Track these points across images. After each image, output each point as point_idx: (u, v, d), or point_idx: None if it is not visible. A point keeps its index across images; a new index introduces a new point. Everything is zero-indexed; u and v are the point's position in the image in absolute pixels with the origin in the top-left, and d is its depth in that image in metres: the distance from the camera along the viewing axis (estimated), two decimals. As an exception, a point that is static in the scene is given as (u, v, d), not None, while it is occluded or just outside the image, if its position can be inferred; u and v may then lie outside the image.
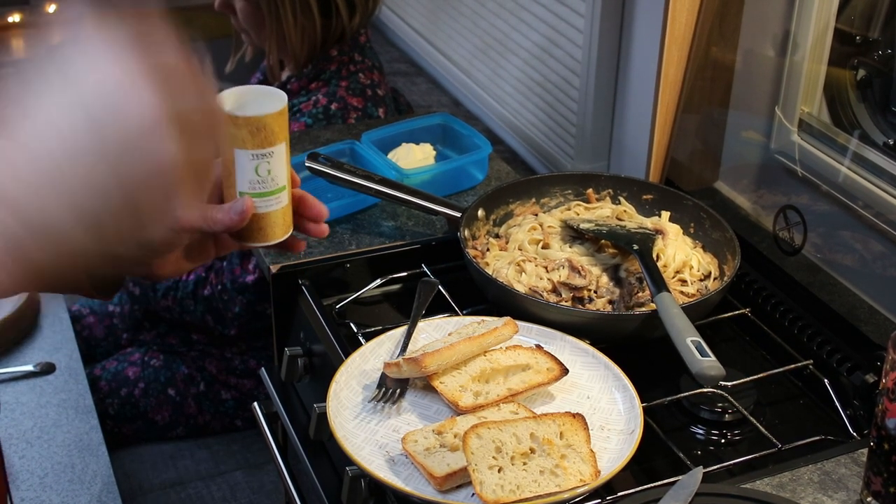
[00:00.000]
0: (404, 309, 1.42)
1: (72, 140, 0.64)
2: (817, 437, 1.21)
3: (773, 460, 1.17)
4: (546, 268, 1.39)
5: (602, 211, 1.52)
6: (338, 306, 1.42)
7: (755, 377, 1.28)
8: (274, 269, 1.46)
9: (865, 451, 1.11)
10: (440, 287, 1.39)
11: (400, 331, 1.27)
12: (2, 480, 1.17)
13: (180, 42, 0.69)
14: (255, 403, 1.50)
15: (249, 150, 0.93)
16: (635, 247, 1.37)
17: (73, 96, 0.64)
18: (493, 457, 1.05)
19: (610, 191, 1.57)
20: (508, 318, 1.24)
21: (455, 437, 1.10)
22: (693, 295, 1.37)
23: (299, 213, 1.00)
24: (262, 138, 0.93)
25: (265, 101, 0.93)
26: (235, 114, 0.90)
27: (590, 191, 1.57)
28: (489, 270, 1.39)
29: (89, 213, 0.66)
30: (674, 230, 1.46)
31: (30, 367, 1.61)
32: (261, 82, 2.23)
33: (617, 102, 1.89)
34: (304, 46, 2.03)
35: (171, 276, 0.97)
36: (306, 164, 1.52)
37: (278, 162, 0.96)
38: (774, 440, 1.19)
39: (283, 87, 2.08)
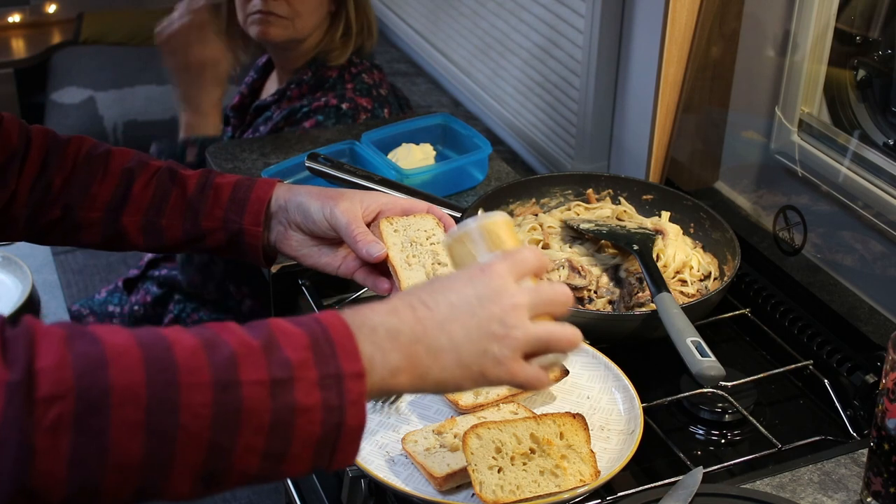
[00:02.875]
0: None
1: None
2: (817, 438, 1.21)
3: (773, 460, 1.17)
4: (546, 268, 1.39)
5: (602, 211, 1.52)
6: (338, 306, 1.42)
7: (755, 377, 1.28)
8: (274, 269, 1.46)
9: (865, 451, 1.11)
10: (440, 287, 1.39)
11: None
12: None
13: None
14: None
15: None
16: (635, 247, 1.37)
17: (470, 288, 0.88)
18: (493, 457, 1.05)
19: (610, 191, 1.57)
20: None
21: (455, 437, 1.10)
22: (693, 295, 1.37)
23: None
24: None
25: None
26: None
27: (590, 191, 1.57)
28: (489, 270, 1.39)
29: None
30: (674, 230, 1.46)
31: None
32: (255, 81, 2.24)
33: (617, 102, 1.89)
34: (333, 43, 2.05)
35: (290, 253, 1.22)
36: (306, 164, 1.52)
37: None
38: (774, 440, 1.19)
39: (282, 93, 2.08)
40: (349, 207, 1.17)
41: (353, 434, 0.81)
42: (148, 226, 1.23)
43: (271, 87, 2.21)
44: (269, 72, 2.24)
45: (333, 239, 1.21)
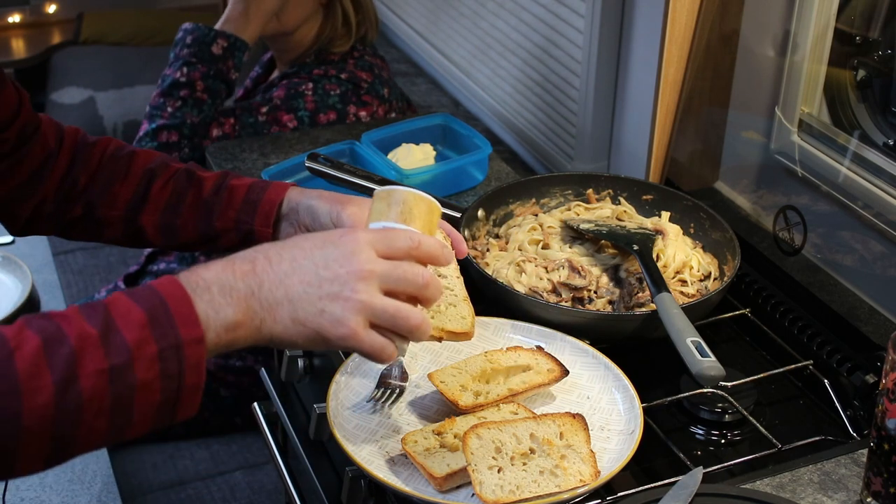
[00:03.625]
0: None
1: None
2: (817, 438, 1.21)
3: (773, 460, 1.17)
4: (546, 268, 1.39)
5: (602, 211, 1.52)
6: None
7: (755, 377, 1.28)
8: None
9: (865, 451, 1.11)
10: (440, 287, 1.39)
11: (400, 331, 1.27)
12: None
13: None
14: (255, 404, 1.50)
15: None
16: (635, 247, 1.37)
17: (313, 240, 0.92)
18: (493, 457, 1.05)
19: (610, 191, 1.57)
20: (540, 348, 1.24)
21: (455, 437, 1.10)
22: (693, 295, 1.37)
23: None
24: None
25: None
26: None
27: (590, 191, 1.57)
28: (489, 271, 1.39)
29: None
30: (674, 230, 1.46)
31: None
32: (260, 76, 2.24)
33: (617, 102, 1.89)
34: (331, 35, 2.06)
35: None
36: (306, 165, 1.52)
37: None
38: (774, 440, 1.19)
39: (284, 75, 2.08)
40: (356, 212, 1.18)
41: (192, 391, 0.85)
42: (165, 225, 1.26)
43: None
44: (272, 68, 2.25)
45: None
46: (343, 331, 0.90)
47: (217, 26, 1.96)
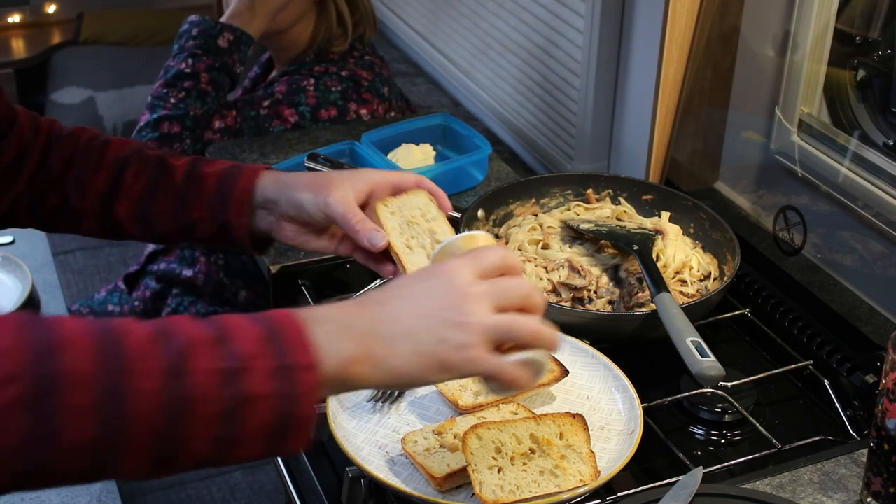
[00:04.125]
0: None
1: None
2: (817, 438, 1.21)
3: (773, 461, 1.17)
4: (546, 268, 1.39)
5: (602, 211, 1.52)
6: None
7: (755, 377, 1.28)
8: (274, 269, 1.46)
9: (865, 451, 1.11)
10: (440, 287, 1.39)
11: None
12: None
13: None
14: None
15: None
16: (635, 247, 1.37)
17: None
18: (493, 457, 1.05)
19: (610, 191, 1.57)
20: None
21: (455, 437, 1.10)
22: (693, 295, 1.37)
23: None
24: None
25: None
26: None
27: (590, 191, 1.57)
28: (489, 271, 1.39)
29: None
30: (674, 230, 1.46)
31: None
32: (258, 76, 2.24)
33: (617, 102, 1.89)
34: (325, 35, 2.06)
35: (286, 241, 1.21)
36: (306, 165, 1.52)
37: None
38: (774, 440, 1.19)
39: (284, 72, 2.09)
40: (343, 196, 1.15)
41: (304, 423, 0.82)
42: (140, 215, 1.23)
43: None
44: (271, 68, 2.25)
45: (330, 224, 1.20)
46: (467, 354, 0.87)
47: (223, 20, 1.96)
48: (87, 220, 1.25)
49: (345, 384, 0.85)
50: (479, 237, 0.99)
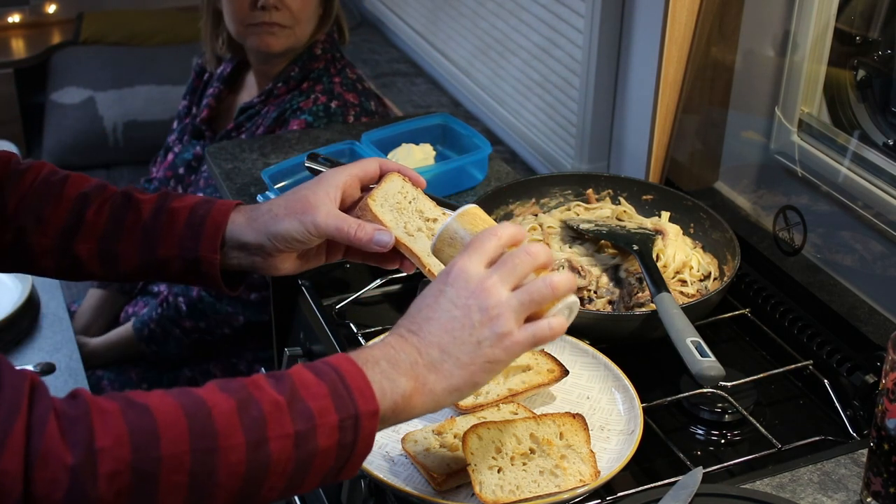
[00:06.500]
0: (404, 309, 1.40)
1: None
2: (817, 438, 1.21)
3: (772, 461, 1.17)
4: (546, 268, 1.39)
5: (602, 211, 1.52)
6: (338, 307, 1.42)
7: (755, 377, 1.28)
8: (274, 269, 1.45)
9: (865, 451, 1.10)
10: (440, 287, 1.39)
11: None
12: None
13: None
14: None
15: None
16: (635, 247, 1.37)
17: None
18: (493, 457, 1.05)
19: (610, 191, 1.57)
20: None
21: (455, 437, 1.10)
22: (693, 295, 1.37)
23: None
24: None
25: None
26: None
27: (590, 191, 1.57)
28: (489, 270, 1.39)
29: None
30: (674, 230, 1.46)
31: (30, 368, 1.60)
32: (222, 91, 2.24)
33: (617, 102, 1.89)
34: (317, 35, 2.06)
35: (289, 273, 1.19)
36: (306, 165, 1.52)
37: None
38: (774, 440, 1.19)
39: (269, 92, 2.08)
40: (328, 211, 1.13)
41: (359, 459, 0.90)
42: (103, 253, 1.18)
43: (248, 92, 2.21)
44: (236, 80, 2.24)
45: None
46: (506, 343, 0.92)
47: None
48: (44, 258, 1.19)
49: (397, 418, 0.91)
50: (470, 210, 1.02)
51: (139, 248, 1.17)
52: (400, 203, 1.16)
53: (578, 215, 1.51)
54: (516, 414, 1.14)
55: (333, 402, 0.87)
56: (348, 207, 1.18)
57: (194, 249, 1.16)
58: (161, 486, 0.80)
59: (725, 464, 1.17)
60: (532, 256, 0.94)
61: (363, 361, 0.90)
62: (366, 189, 1.19)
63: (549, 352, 1.23)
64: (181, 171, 2.22)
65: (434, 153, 1.76)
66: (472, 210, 1.03)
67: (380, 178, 1.19)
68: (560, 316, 0.95)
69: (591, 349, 1.25)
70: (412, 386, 0.90)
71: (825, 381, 1.28)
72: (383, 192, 1.16)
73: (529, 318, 0.94)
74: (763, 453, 1.18)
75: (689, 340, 1.17)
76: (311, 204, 1.13)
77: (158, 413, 0.82)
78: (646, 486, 1.11)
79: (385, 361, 0.90)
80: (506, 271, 0.93)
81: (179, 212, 1.17)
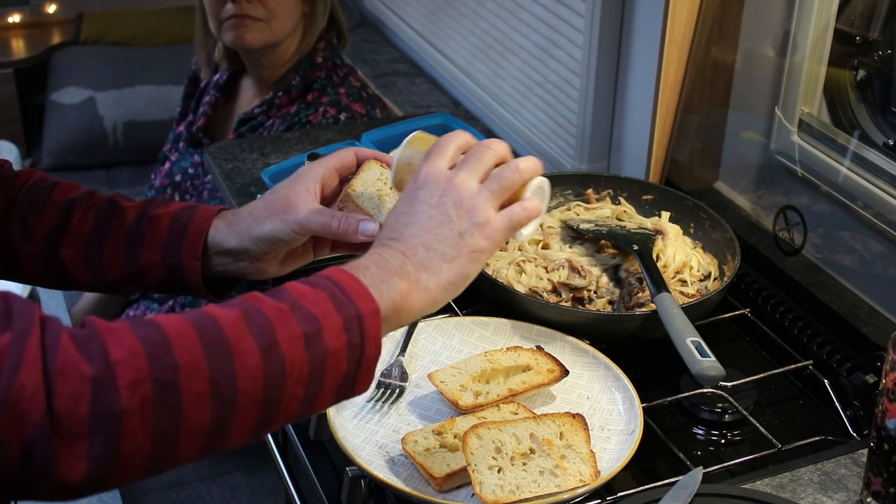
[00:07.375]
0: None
1: None
2: (817, 438, 1.21)
3: (773, 460, 1.17)
4: (546, 268, 1.39)
5: (602, 211, 1.52)
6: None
7: (755, 377, 1.28)
8: (274, 269, 1.45)
9: (865, 451, 1.11)
10: (440, 287, 1.39)
11: (400, 331, 1.27)
12: None
13: None
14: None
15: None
16: (635, 247, 1.37)
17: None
18: (493, 457, 1.05)
19: (610, 191, 1.57)
20: (539, 348, 1.24)
21: (455, 437, 1.10)
22: (693, 295, 1.37)
23: None
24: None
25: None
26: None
27: (590, 191, 1.57)
28: (489, 271, 1.39)
29: None
30: (674, 230, 1.46)
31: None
32: (218, 100, 2.23)
33: (617, 102, 1.89)
34: (310, 42, 2.06)
35: (272, 275, 1.18)
36: (306, 165, 1.52)
37: None
38: (774, 440, 1.19)
39: (270, 102, 2.07)
40: (310, 207, 1.12)
41: (370, 365, 0.89)
42: (88, 260, 1.17)
43: (246, 101, 2.20)
44: (232, 88, 2.23)
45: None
46: (486, 231, 0.95)
47: None
48: (30, 264, 1.18)
49: (399, 319, 0.92)
50: (417, 135, 1.07)
51: (123, 254, 1.16)
52: (380, 190, 1.15)
53: (578, 215, 1.51)
54: (516, 414, 1.14)
55: (334, 305, 0.87)
56: (329, 200, 1.17)
57: (176, 256, 1.14)
58: (184, 393, 0.80)
59: (725, 464, 1.17)
60: (493, 149, 0.99)
61: (354, 269, 0.91)
62: (345, 180, 1.18)
63: (549, 352, 1.23)
64: (178, 178, 2.22)
65: (434, 153, 1.76)
66: (418, 134, 1.07)
67: (357, 166, 1.18)
68: (535, 198, 0.99)
69: (591, 349, 1.25)
70: (406, 285, 0.92)
71: (825, 381, 1.28)
72: (362, 181, 1.15)
73: (504, 207, 0.98)
74: (763, 453, 1.18)
75: (689, 340, 1.17)
76: (291, 202, 1.12)
77: (166, 326, 0.82)
78: (646, 486, 1.11)
79: (375, 266, 0.92)
80: (471, 165, 0.97)
81: (162, 218, 1.15)
